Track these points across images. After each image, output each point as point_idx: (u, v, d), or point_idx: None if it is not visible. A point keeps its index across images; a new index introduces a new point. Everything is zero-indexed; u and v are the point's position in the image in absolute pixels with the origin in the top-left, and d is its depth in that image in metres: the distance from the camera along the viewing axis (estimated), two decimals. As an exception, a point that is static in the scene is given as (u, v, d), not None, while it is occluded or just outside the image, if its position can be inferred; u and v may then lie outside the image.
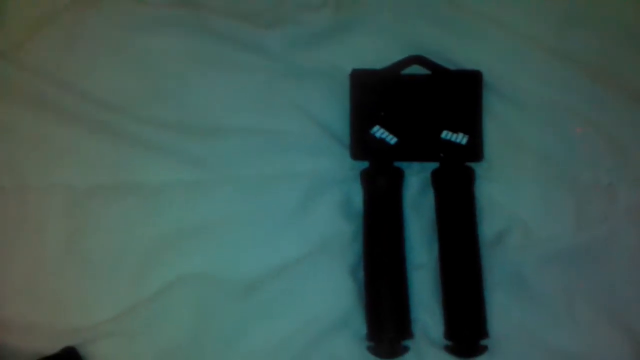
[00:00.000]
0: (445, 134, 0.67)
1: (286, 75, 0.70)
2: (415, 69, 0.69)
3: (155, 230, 0.66)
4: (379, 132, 0.67)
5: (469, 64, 0.69)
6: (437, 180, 0.67)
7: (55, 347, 0.62)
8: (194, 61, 0.70)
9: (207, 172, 0.67)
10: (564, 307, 0.63)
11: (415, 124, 0.68)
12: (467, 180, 0.66)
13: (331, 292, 0.64)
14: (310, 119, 0.69)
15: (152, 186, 0.66)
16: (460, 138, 0.67)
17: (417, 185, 0.68)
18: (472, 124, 0.68)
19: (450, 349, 0.62)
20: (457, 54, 0.69)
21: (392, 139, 0.67)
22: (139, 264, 0.64)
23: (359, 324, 0.63)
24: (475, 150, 0.67)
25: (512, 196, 0.67)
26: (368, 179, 0.66)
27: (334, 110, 0.69)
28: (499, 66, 0.69)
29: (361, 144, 0.67)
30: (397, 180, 0.66)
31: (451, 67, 0.69)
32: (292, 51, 0.70)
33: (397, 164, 0.67)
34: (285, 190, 0.67)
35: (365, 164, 0.67)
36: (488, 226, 0.66)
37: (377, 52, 0.70)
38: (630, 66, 0.69)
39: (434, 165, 0.67)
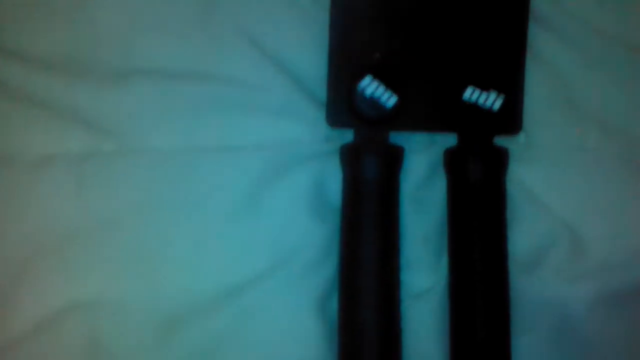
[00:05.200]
0: (470, 93, 0.44)
1: None
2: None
3: (31, 230, 0.44)
4: (370, 86, 0.44)
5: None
6: (453, 164, 0.45)
7: None
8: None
9: (110, 140, 0.44)
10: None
11: (425, 75, 0.45)
12: (497, 166, 0.45)
13: (289, 333, 0.44)
14: (268, 58, 0.45)
15: (27, 162, 0.44)
16: (492, 100, 0.44)
17: (422, 168, 0.46)
18: (511, 77, 0.45)
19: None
20: None
21: (389, 98, 0.44)
22: (7, 285, 0.43)
23: (328, 381, 0.44)
24: (512, 118, 0.45)
25: (560, 191, 0.46)
26: (351, 159, 0.44)
27: (305, 47, 0.45)
28: None
29: (343, 104, 0.44)
30: (393, 161, 0.45)
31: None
32: None
33: (394, 135, 0.45)
34: (227, 173, 0.44)
35: (348, 134, 0.45)
36: (523, 237, 0.45)
37: None
38: None
39: (449, 139, 0.46)
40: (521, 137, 0.46)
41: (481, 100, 0.44)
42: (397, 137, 0.45)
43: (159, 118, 0.44)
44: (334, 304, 0.44)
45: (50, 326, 0.43)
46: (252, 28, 0.45)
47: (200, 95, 0.45)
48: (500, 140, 0.46)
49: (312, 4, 0.45)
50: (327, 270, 0.44)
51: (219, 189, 0.44)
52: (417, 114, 0.45)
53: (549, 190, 0.46)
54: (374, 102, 0.44)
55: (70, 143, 0.44)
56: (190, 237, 0.44)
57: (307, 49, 0.45)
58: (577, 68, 0.46)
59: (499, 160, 0.45)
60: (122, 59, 0.45)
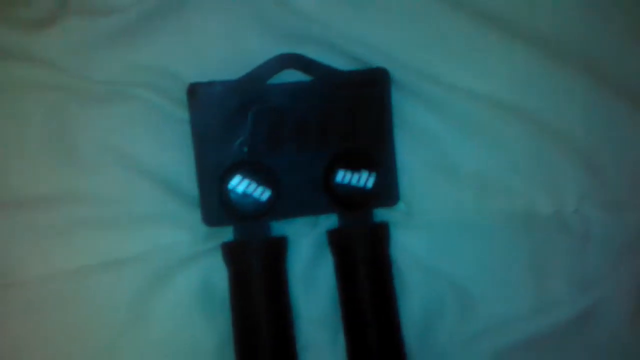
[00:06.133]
0: (342, 176, 0.45)
1: (83, 98, 0.44)
2: (290, 75, 0.45)
3: None
4: (241, 184, 0.44)
5: (374, 55, 0.46)
6: (336, 244, 0.45)
7: None
8: None
9: None
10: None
11: (296, 163, 0.45)
12: (378, 240, 0.45)
13: None
14: (133, 165, 0.45)
15: None
16: (365, 179, 0.45)
17: (308, 250, 0.46)
18: (381, 154, 0.46)
19: None
20: (354, 38, 0.46)
21: (263, 193, 0.44)
22: None
23: None
24: (387, 192, 0.46)
25: (445, 253, 0.46)
26: (234, 257, 0.44)
27: (170, 151, 0.45)
28: (417, 53, 0.46)
29: (218, 203, 0.44)
30: (276, 252, 0.45)
31: (347, 63, 0.46)
32: (86, 57, 0.44)
33: (276, 224, 0.46)
34: (110, 289, 0.44)
35: (228, 229, 0.45)
36: (413, 304, 0.46)
37: (227, 49, 0.45)
38: (606, 45, 0.46)
39: (330, 219, 0.46)
40: (401, 206, 0.47)
41: (354, 181, 0.45)
42: (278, 224, 0.45)
43: (32, 247, 0.44)
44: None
45: None
46: (114, 141, 0.45)
47: (72, 217, 0.44)
48: (382, 211, 0.46)
49: (173, 107, 0.45)
50: (224, 370, 0.45)
51: (104, 306, 0.44)
52: (293, 201, 0.45)
53: (434, 254, 0.46)
54: (247, 198, 0.44)
55: None
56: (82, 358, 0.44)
57: (173, 153, 0.45)
58: (448, 132, 0.47)
59: (380, 236, 0.45)
60: None
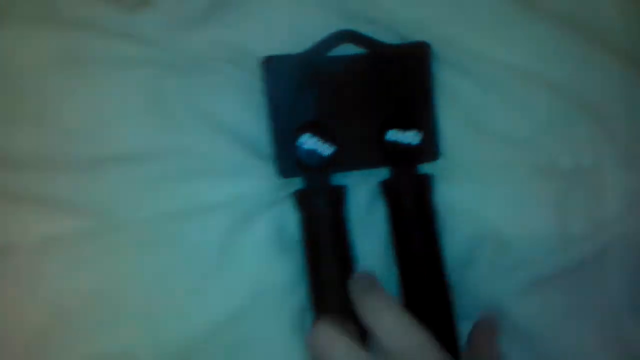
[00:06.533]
0: (393, 134, 0.53)
1: (176, 71, 0.52)
2: (347, 48, 0.53)
3: (40, 305, 0.50)
4: (309, 142, 0.52)
5: (414, 31, 0.54)
6: (388, 193, 0.54)
7: None
8: (51, 65, 0.51)
9: (89, 221, 0.51)
10: (553, 343, 0.53)
11: (353, 125, 0.53)
12: (424, 190, 0.53)
13: (274, 350, 0.52)
14: (218, 127, 0.53)
15: (26, 248, 0.50)
16: (412, 137, 0.53)
17: (363, 199, 0.54)
18: (424, 115, 0.54)
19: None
20: (400, 16, 0.54)
21: (327, 149, 0.52)
22: (24, 352, 0.50)
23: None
24: (430, 148, 0.54)
25: (480, 200, 0.54)
26: (304, 203, 0.52)
27: (248, 112, 0.53)
28: (452, 29, 0.54)
29: (289, 158, 0.52)
30: (338, 199, 0.53)
31: (394, 37, 0.54)
32: (176, 35, 0.53)
33: (336, 176, 0.53)
34: (199, 231, 0.52)
35: (297, 180, 0.53)
36: (455, 243, 0.54)
37: (291, 28, 0.54)
38: (617, 20, 0.54)
39: (382, 172, 0.54)
40: (441, 161, 0.54)
41: (403, 139, 0.53)
42: (339, 176, 0.54)
43: (132, 195, 0.51)
44: (308, 320, 0.52)
45: None
46: (201, 104, 0.52)
47: (165, 169, 0.52)
48: (425, 166, 0.54)
49: (247, 77, 0.53)
50: (298, 294, 0.52)
51: (194, 248, 0.51)
52: (351, 157, 0.53)
53: (471, 201, 0.54)
54: (314, 153, 0.52)
55: (53, 227, 0.50)
56: (176, 291, 0.51)
57: (250, 117, 0.53)
58: (481, 97, 0.54)
59: (425, 185, 0.53)
60: (93, 149, 0.51)
